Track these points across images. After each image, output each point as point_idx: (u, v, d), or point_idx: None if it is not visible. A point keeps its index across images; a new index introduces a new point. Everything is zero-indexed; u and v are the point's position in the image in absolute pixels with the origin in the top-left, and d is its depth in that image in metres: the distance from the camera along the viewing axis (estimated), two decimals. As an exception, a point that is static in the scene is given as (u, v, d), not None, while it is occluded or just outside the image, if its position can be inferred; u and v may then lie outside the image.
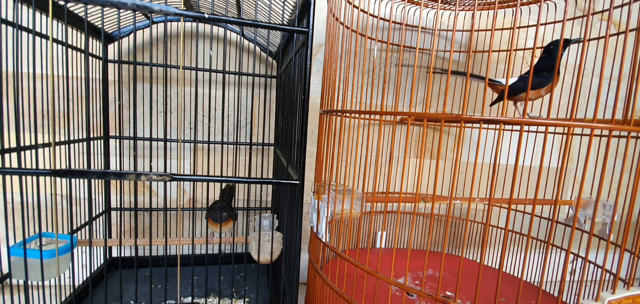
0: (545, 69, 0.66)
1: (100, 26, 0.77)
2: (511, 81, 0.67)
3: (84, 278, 0.81)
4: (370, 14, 0.89)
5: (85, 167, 0.76)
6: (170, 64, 0.87)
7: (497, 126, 0.93)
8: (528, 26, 0.75)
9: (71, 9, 0.67)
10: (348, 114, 0.62)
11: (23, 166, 0.65)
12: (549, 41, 1.04)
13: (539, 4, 0.77)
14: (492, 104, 0.72)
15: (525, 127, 0.51)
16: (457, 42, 1.03)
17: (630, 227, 0.48)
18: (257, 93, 0.94)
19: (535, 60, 0.76)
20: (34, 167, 0.59)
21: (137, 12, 0.77)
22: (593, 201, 0.78)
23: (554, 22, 0.86)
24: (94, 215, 0.81)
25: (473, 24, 1.02)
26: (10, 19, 0.53)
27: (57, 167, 0.68)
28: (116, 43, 0.82)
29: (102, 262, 0.86)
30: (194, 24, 0.88)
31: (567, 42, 0.66)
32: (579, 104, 0.99)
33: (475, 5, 0.47)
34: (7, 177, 0.46)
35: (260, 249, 0.68)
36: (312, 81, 0.96)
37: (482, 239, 0.97)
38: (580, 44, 0.84)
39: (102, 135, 0.82)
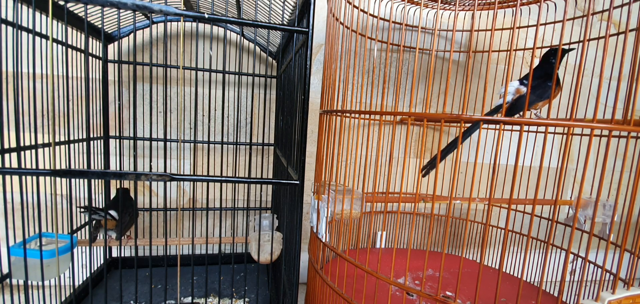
0: (544, 78, 0.66)
1: (100, 26, 0.77)
2: (511, 92, 0.67)
3: (84, 278, 0.82)
4: (370, 14, 0.89)
5: (85, 167, 0.76)
6: (170, 64, 0.87)
7: (497, 126, 0.93)
8: (528, 26, 0.75)
9: (71, 9, 0.67)
10: (348, 114, 0.62)
11: (23, 166, 0.65)
12: (548, 42, 1.04)
13: (539, 4, 0.77)
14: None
15: (525, 127, 0.51)
16: (457, 42, 1.03)
17: (630, 227, 0.48)
18: (257, 93, 0.94)
19: (536, 61, 0.76)
20: (34, 167, 0.59)
21: (137, 12, 0.77)
22: (593, 201, 0.78)
23: (554, 22, 0.86)
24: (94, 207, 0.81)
25: (473, 24, 1.02)
26: (10, 19, 0.53)
27: (57, 167, 0.68)
28: (116, 43, 0.82)
29: (102, 262, 0.86)
30: (194, 24, 0.88)
31: (564, 52, 0.66)
32: (579, 104, 0.99)
33: (475, 5, 0.47)
34: (7, 177, 0.46)
35: (260, 249, 0.68)
36: (312, 81, 0.96)
37: (482, 239, 0.97)
38: (580, 44, 0.84)
39: (102, 135, 0.82)
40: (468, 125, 0.66)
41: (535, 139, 0.69)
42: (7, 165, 0.68)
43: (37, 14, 0.61)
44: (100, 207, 0.84)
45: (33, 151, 0.67)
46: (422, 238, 1.06)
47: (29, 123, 0.78)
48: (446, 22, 1.00)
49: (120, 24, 0.79)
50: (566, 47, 0.70)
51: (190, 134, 0.91)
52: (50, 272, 0.57)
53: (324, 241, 0.65)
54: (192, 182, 0.89)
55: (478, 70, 1.03)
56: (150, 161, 0.55)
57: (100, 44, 0.79)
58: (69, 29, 0.68)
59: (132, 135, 0.86)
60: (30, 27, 0.53)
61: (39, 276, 0.53)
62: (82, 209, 0.67)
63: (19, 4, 0.50)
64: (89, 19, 0.74)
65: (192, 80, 0.89)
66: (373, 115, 0.57)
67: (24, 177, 0.45)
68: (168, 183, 0.91)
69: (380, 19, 0.95)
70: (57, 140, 0.72)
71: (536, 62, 0.71)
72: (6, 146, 0.52)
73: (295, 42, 0.57)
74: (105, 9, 0.71)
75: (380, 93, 1.00)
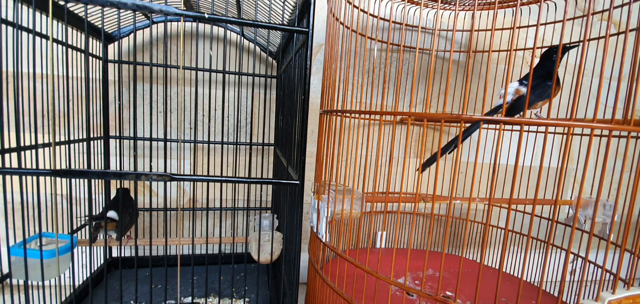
0: (543, 77, 0.66)
1: (100, 26, 0.77)
2: (511, 92, 0.67)
3: (84, 278, 0.82)
4: (370, 14, 0.89)
5: (85, 167, 0.76)
6: (170, 64, 0.87)
7: (497, 126, 0.93)
8: (528, 26, 0.75)
9: (71, 9, 0.67)
10: (348, 114, 0.62)
11: (23, 166, 0.65)
12: (548, 42, 1.04)
13: (539, 4, 0.77)
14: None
15: (525, 127, 0.51)
16: (457, 42, 1.03)
17: (630, 227, 0.48)
18: (257, 93, 0.94)
19: (536, 60, 0.76)
20: (34, 167, 0.59)
21: (137, 12, 0.77)
22: (593, 201, 0.78)
23: (554, 22, 0.86)
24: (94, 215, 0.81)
25: (473, 24, 1.02)
26: (10, 19, 0.53)
27: (57, 167, 0.68)
28: (116, 43, 0.82)
29: (102, 262, 0.86)
30: (194, 24, 0.88)
31: (565, 49, 0.66)
32: (579, 104, 0.99)
33: (475, 5, 0.47)
34: (7, 177, 0.46)
35: (260, 249, 0.68)
36: (312, 81, 0.96)
37: (482, 239, 0.97)
38: (580, 44, 0.84)
39: (102, 135, 0.82)
40: (468, 125, 0.66)
41: (535, 139, 0.69)
42: (7, 165, 0.68)
43: (37, 14, 0.61)
44: (101, 210, 0.84)
45: (33, 151, 0.67)
46: (422, 238, 1.06)
47: (29, 123, 0.78)
48: (446, 22, 1.00)
49: (121, 24, 0.79)
50: (567, 45, 0.70)
51: (190, 134, 0.91)
52: (50, 272, 0.57)
53: (324, 241, 0.65)
54: (192, 182, 0.89)
55: (478, 71, 1.03)
56: (150, 161, 0.55)
57: (100, 44, 0.79)
58: (69, 29, 0.68)
59: (132, 135, 0.86)
60: (31, 27, 0.53)
61: (39, 276, 0.53)
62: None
63: (19, 4, 0.50)
64: (89, 19, 0.74)
65: (192, 80, 0.89)
66: (373, 115, 0.57)
67: (24, 177, 0.45)
68: (168, 183, 0.91)
69: (380, 19, 0.95)
70: (57, 140, 0.72)
71: (536, 62, 0.71)
72: (6, 146, 0.52)
73: (295, 42, 0.57)
74: (105, 9, 0.71)
75: (380, 93, 1.00)
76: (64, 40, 0.64)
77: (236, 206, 0.98)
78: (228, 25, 0.83)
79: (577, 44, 0.68)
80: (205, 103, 0.91)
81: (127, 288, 0.79)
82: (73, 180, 0.76)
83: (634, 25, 0.56)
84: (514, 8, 0.90)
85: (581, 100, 0.96)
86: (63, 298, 0.72)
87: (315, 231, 0.68)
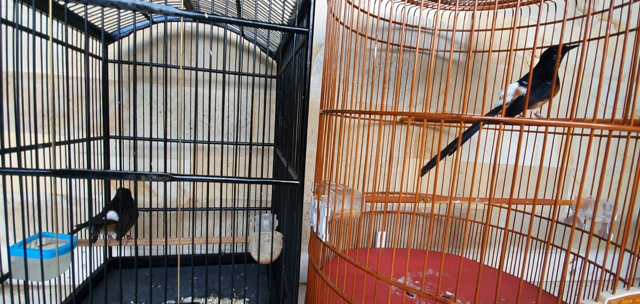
0: (543, 78, 0.66)
1: (100, 26, 0.77)
2: (511, 93, 0.67)
3: (84, 278, 0.82)
4: (370, 14, 0.89)
5: (85, 167, 0.76)
6: (170, 64, 0.87)
7: (497, 126, 0.93)
8: (528, 26, 0.75)
9: (71, 9, 0.67)
10: (348, 114, 0.62)
11: (23, 166, 0.65)
12: (548, 42, 1.04)
13: (539, 4, 0.77)
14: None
15: (525, 127, 0.51)
16: (457, 42, 1.03)
17: (630, 227, 0.48)
18: (257, 93, 0.94)
19: (536, 60, 0.76)
20: (34, 167, 0.59)
21: (137, 12, 0.77)
22: (593, 201, 0.78)
23: (554, 22, 0.86)
24: (94, 215, 0.81)
25: (473, 24, 1.02)
26: (10, 19, 0.53)
27: (57, 167, 0.68)
28: (116, 43, 0.82)
29: (102, 262, 0.86)
30: (194, 24, 0.88)
31: (565, 49, 0.66)
32: (579, 104, 0.99)
33: (475, 5, 0.47)
34: (7, 177, 0.46)
35: (260, 249, 0.68)
36: (312, 81, 0.96)
37: (482, 239, 0.97)
38: (580, 44, 0.84)
39: (102, 135, 0.82)
40: (468, 125, 0.66)
41: (535, 139, 0.69)
42: (7, 165, 0.68)
43: (37, 14, 0.61)
44: (101, 210, 0.84)
45: (33, 151, 0.67)
46: (422, 238, 1.06)
47: (29, 123, 0.78)
48: (446, 22, 1.00)
49: (120, 24, 0.79)
50: (567, 45, 0.71)
51: (190, 134, 0.91)
52: (50, 272, 0.57)
53: (324, 241, 0.65)
54: (192, 182, 0.89)
55: (478, 71, 1.03)
56: (150, 161, 0.55)
57: (100, 44, 0.79)
58: (69, 29, 0.68)
59: (132, 135, 0.86)
60: (31, 27, 0.53)
61: (39, 276, 0.53)
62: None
63: (19, 4, 0.50)
64: (89, 19, 0.74)
65: (192, 80, 0.89)
66: (373, 115, 0.57)
67: (24, 177, 0.45)
68: (168, 183, 0.91)
69: (380, 19, 0.95)
70: (57, 140, 0.72)
71: (536, 62, 0.71)
72: (6, 146, 0.52)
73: (295, 42, 0.57)
74: (105, 9, 0.71)
75: (380, 93, 1.00)
76: (64, 40, 0.64)
77: (236, 206, 0.98)
78: (228, 25, 0.83)
79: (577, 44, 0.68)
80: (205, 103, 0.91)
81: (127, 288, 0.79)
82: (73, 180, 0.76)
83: (634, 25, 0.56)
84: (514, 8, 0.90)
85: (581, 100, 0.96)
86: (63, 298, 0.72)
87: (315, 231, 0.68)
